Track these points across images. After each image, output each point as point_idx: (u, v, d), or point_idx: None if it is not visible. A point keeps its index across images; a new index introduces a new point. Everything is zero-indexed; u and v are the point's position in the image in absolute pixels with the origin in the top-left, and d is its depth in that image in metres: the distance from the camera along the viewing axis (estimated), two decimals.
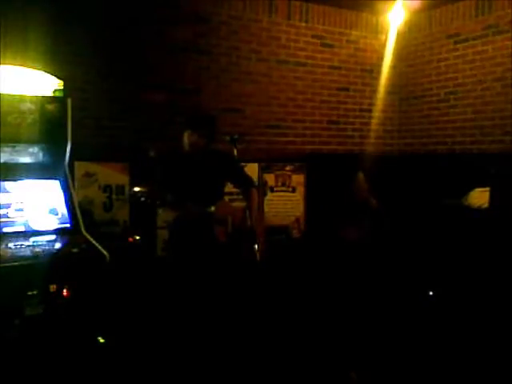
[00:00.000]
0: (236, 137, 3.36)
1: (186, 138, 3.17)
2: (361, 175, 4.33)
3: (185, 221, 3.12)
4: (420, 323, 3.67)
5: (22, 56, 3.55)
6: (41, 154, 3.10)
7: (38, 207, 3.00)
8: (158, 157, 3.38)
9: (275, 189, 4.98)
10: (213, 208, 3.08)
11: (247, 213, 3.16)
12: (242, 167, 3.56)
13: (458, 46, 4.93)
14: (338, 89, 5.27)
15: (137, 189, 2.93)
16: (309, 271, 4.30)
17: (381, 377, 3.07)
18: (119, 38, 4.10)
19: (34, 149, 3.05)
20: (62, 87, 3.22)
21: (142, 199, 2.92)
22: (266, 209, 4.89)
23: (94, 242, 2.87)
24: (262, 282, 3.33)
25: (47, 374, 2.52)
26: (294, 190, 5.06)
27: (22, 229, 2.90)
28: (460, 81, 4.94)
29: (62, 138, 3.07)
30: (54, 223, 3.01)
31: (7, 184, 2.96)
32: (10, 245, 2.71)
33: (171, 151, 3.30)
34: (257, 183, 4.09)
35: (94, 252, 2.79)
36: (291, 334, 3.56)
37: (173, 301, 3.20)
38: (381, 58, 5.42)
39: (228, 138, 3.45)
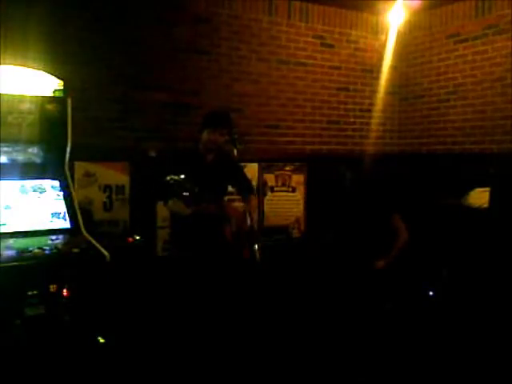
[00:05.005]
0: (236, 137, 3.36)
1: (207, 136, 3.16)
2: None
3: (200, 216, 3.08)
4: (420, 323, 3.67)
5: (22, 56, 3.55)
6: (41, 154, 3.10)
7: (37, 207, 3.00)
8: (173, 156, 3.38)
9: (275, 189, 4.98)
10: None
11: (247, 213, 3.16)
12: (245, 174, 3.57)
13: (458, 45, 4.93)
14: (338, 89, 5.27)
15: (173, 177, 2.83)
16: (309, 271, 4.30)
17: (381, 377, 3.07)
18: (119, 38, 4.10)
19: (34, 149, 3.06)
20: (61, 87, 3.22)
21: (175, 184, 2.81)
22: (266, 209, 4.89)
23: (94, 241, 2.87)
24: (262, 282, 3.33)
25: (48, 373, 2.52)
26: (293, 190, 5.06)
27: (21, 229, 2.89)
28: (460, 81, 4.94)
29: (61, 138, 3.08)
30: (54, 223, 3.01)
31: (7, 184, 2.95)
32: (10, 245, 2.71)
33: (187, 151, 3.32)
34: (255, 186, 4.06)
35: (94, 252, 2.79)
36: (291, 334, 3.56)
37: (173, 300, 3.20)
38: (381, 58, 5.42)
39: (228, 137, 3.45)
